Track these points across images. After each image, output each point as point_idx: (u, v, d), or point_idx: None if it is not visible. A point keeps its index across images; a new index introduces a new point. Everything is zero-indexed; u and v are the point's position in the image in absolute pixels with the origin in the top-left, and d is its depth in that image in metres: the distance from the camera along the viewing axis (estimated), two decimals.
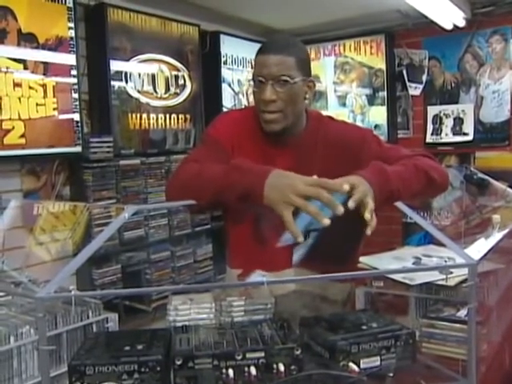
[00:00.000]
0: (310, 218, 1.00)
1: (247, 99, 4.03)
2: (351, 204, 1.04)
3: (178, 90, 3.47)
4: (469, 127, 3.91)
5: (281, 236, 1.13)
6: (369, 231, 1.05)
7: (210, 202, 1.17)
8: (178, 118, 3.48)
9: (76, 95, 2.77)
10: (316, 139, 1.39)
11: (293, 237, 1.00)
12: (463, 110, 3.94)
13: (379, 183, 1.12)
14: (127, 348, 0.96)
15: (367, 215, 1.04)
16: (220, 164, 1.21)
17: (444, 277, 1.39)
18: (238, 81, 3.96)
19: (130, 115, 3.16)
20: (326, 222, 0.97)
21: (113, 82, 3.03)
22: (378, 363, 0.99)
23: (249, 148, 1.39)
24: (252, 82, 1.37)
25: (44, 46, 2.63)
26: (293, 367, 0.95)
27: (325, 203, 0.98)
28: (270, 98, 1.32)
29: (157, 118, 3.33)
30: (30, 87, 2.57)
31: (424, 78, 4.10)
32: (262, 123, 1.38)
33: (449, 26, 3.71)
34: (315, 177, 1.05)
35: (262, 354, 0.94)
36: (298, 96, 1.36)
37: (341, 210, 0.97)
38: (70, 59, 2.74)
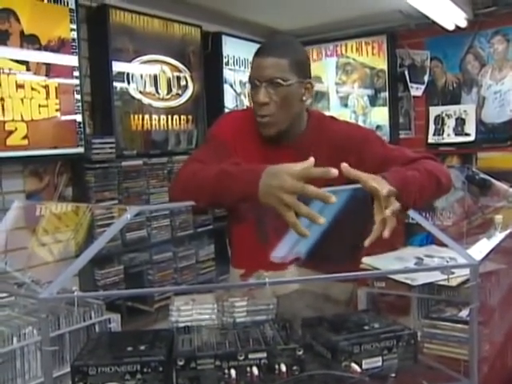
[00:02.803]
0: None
1: (249, 100, 4.03)
2: (388, 212, 1.02)
3: (179, 91, 3.48)
4: (471, 128, 3.91)
5: (281, 239, 1.13)
6: (367, 243, 1.04)
7: (209, 204, 1.18)
8: (180, 119, 3.49)
9: (78, 96, 2.78)
10: (318, 139, 1.39)
11: (300, 236, 0.97)
12: (465, 111, 3.94)
13: (399, 193, 1.09)
14: (130, 348, 0.96)
15: (386, 234, 1.02)
16: (218, 165, 1.20)
17: (446, 277, 1.39)
18: (240, 81, 3.96)
19: (132, 116, 3.16)
20: (321, 221, 0.93)
21: (115, 83, 3.04)
22: (380, 364, 0.99)
23: (251, 148, 1.39)
24: (248, 84, 1.38)
25: (46, 48, 2.63)
26: (295, 367, 0.95)
27: (312, 197, 0.95)
28: (263, 100, 1.33)
29: (159, 119, 3.34)
30: (33, 88, 2.57)
31: (426, 78, 4.10)
32: (258, 126, 1.39)
33: (451, 27, 3.71)
34: (304, 164, 1.00)
35: (264, 355, 0.94)
36: (292, 98, 1.36)
37: (332, 199, 0.93)
38: (72, 60, 2.75)
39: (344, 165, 1.01)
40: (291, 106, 1.37)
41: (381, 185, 1.06)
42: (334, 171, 0.95)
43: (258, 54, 1.37)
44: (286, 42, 1.42)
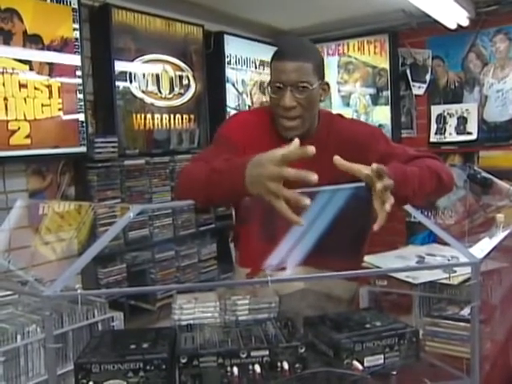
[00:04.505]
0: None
1: (251, 99, 4.03)
2: (379, 186, 1.02)
3: (182, 90, 3.48)
4: (473, 126, 3.90)
5: (287, 238, 1.14)
6: (376, 227, 1.03)
7: (206, 203, 1.19)
8: (182, 118, 3.49)
9: (81, 95, 2.79)
10: (327, 137, 1.41)
11: (293, 223, 0.94)
12: (467, 110, 3.93)
13: (398, 184, 1.09)
14: (133, 346, 0.97)
15: (387, 206, 1.03)
16: (211, 164, 1.19)
17: (447, 275, 1.40)
18: (242, 81, 3.96)
19: (134, 115, 3.17)
20: (306, 201, 0.89)
21: (117, 83, 3.05)
22: (382, 361, 0.99)
23: (261, 148, 1.40)
24: (269, 88, 1.38)
25: (49, 47, 2.64)
26: (297, 365, 0.95)
27: (293, 179, 0.92)
28: (291, 104, 1.34)
29: (161, 118, 3.34)
30: (36, 88, 2.58)
31: (428, 77, 4.10)
32: (281, 129, 1.39)
33: (452, 26, 3.70)
34: (286, 147, 0.97)
35: (267, 353, 0.95)
36: (315, 100, 1.39)
37: (315, 178, 0.89)
38: (74, 60, 2.75)
39: (336, 157, 1.02)
40: (314, 108, 1.40)
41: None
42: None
43: (279, 57, 1.36)
44: (305, 45, 1.43)
